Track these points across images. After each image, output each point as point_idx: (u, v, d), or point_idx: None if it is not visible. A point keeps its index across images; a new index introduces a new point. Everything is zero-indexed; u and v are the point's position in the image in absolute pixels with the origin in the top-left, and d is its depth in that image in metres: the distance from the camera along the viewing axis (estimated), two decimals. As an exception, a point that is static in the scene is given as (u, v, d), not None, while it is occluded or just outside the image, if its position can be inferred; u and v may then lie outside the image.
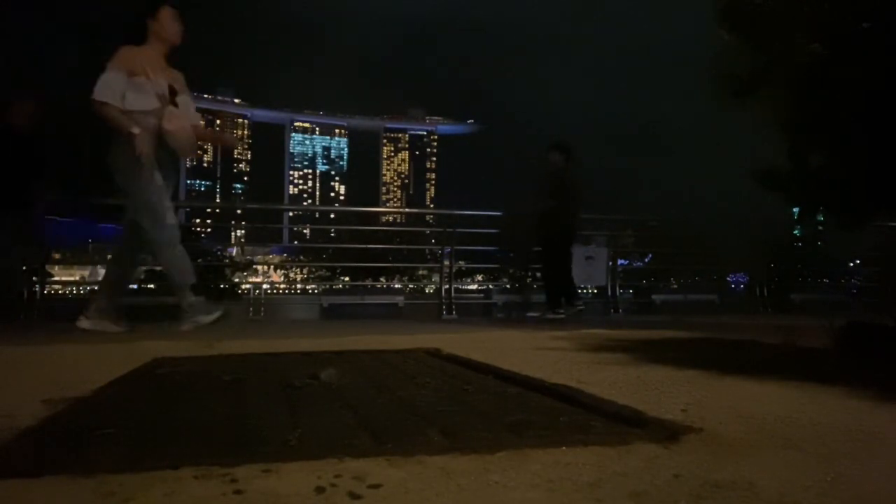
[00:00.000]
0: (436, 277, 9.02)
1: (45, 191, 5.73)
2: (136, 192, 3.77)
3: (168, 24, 3.88)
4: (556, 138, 6.31)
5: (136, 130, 3.64)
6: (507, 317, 5.89)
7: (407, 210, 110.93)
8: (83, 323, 3.83)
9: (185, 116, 3.89)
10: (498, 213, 8.61)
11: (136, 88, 3.73)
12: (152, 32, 3.87)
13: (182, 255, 3.82)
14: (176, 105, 3.88)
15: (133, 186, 3.77)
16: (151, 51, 3.86)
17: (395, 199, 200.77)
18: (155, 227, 3.74)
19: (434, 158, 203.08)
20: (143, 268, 6.72)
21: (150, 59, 3.83)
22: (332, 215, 37.80)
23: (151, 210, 3.74)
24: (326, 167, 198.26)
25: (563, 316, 5.80)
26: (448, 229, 7.85)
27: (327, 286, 12.96)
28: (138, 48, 3.83)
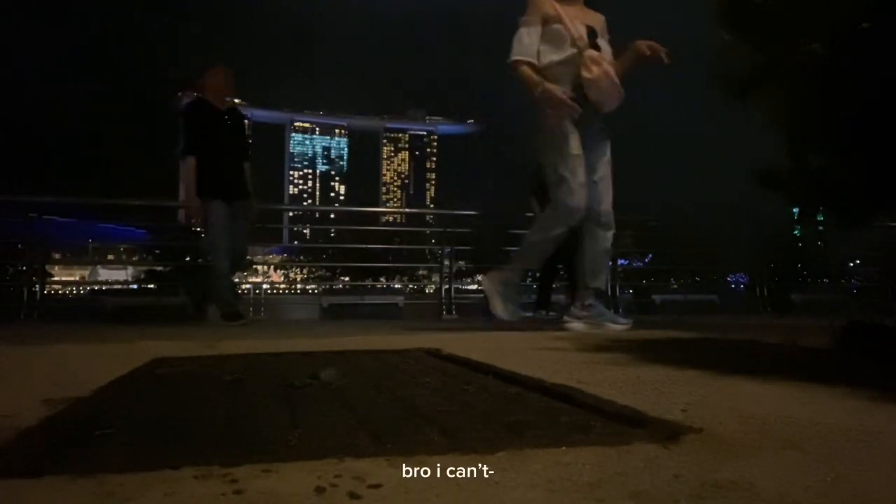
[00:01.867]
0: (436, 277, 9.02)
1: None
2: (548, 163, 3.39)
3: None
4: None
5: (542, 87, 3.25)
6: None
7: (407, 210, 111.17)
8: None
9: (605, 60, 3.38)
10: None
11: (551, 38, 3.36)
12: None
13: (601, 255, 3.48)
14: (597, 48, 3.38)
15: (546, 156, 3.39)
16: None
17: (395, 199, 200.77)
18: (557, 206, 3.35)
19: (434, 158, 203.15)
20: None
21: (565, 1, 3.44)
22: (332, 215, 37.88)
23: (556, 185, 3.34)
24: (326, 167, 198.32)
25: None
26: (448, 229, 7.87)
27: (327, 286, 12.99)
28: None
